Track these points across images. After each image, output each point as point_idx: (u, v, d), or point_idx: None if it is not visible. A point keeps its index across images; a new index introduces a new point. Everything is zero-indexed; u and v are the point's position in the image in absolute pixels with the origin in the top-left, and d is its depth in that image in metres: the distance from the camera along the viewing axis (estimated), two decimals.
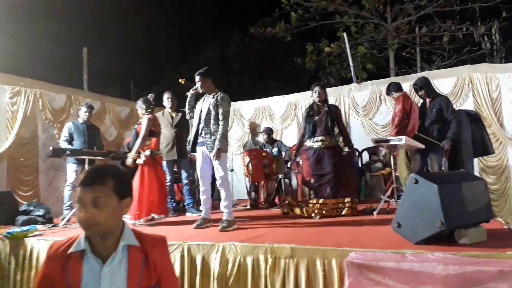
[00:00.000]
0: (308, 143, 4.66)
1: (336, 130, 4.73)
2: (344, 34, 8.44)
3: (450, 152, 4.90)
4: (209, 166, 4.03)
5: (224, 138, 3.92)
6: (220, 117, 3.91)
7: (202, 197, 4.09)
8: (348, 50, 8.03)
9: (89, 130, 5.63)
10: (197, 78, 4.07)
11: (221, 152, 3.85)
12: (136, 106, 4.85)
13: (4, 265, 3.84)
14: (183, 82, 4.32)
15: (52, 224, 4.74)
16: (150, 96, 4.91)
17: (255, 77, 17.22)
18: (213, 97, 3.98)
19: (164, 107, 5.70)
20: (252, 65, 17.88)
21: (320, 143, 4.55)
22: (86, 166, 5.14)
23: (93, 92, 7.51)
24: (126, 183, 1.49)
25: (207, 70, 4.10)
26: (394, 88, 5.12)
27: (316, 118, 4.63)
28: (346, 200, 4.35)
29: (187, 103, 4.27)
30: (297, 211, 4.50)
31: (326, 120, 4.58)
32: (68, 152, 5.03)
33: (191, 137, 4.17)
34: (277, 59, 16.98)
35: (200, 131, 4.02)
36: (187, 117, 4.36)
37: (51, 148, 5.06)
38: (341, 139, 4.87)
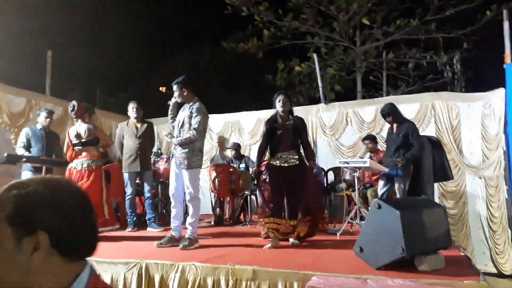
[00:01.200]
0: (271, 161, 4.06)
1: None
2: (315, 55, 8.62)
3: (411, 177, 5.04)
4: (181, 179, 3.87)
5: (187, 144, 3.78)
6: (191, 128, 3.79)
7: (172, 213, 3.93)
8: (317, 71, 8.17)
9: (48, 137, 5.38)
10: (174, 87, 3.95)
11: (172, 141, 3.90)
12: None
13: None
14: (163, 91, 4.12)
15: None
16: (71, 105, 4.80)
17: (226, 90, 17.21)
18: (189, 108, 3.88)
19: (129, 117, 5.54)
20: (222, 79, 17.88)
21: (283, 161, 3.95)
22: (43, 174, 4.91)
23: (55, 97, 7.21)
24: (35, 211, 0.86)
25: (184, 80, 3.95)
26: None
27: (279, 132, 4.00)
28: (306, 219, 3.85)
29: (169, 112, 4.14)
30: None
31: (291, 135, 3.99)
32: (24, 159, 4.79)
33: (172, 148, 4.03)
34: (248, 74, 17.08)
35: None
36: (170, 126, 4.17)
37: (5, 154, 4.79)
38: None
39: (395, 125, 4.71)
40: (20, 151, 5.15)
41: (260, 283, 2.60)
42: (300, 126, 4.09)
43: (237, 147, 6.72)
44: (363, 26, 11.50)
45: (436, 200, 5.85)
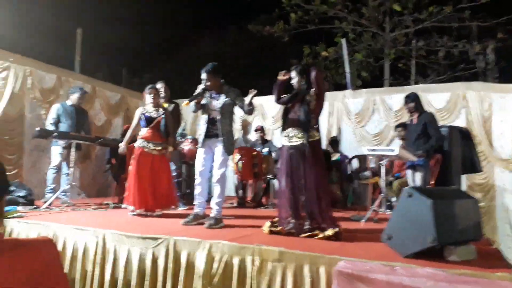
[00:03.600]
0: (281, 140, 3.62)
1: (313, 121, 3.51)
2: (343, 40, 8.46)
3: (440, 167, 4.96)
4: (210, 161, 3.98)
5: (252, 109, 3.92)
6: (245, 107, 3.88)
7: (197, 190, 3.98)
8: (345, 56, 8.03)
9: (78, 114, 5.52)
10: (204, 75, 3.82)
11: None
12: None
13: None
14: (186, 105, 3.94)
15: (34, 206, 4.62)
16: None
17: (250, 75, 17.14)
18: (225, 96, 3.87)
19: None
20: (247, 63, 17.79)
21: (290, 140, 3.48)
22: (72, 149, 5.04)
23: (84, 75, 7.33)
24: None
25: (216, 67, 3.85)
26: None
27: (290, 104, 3.57)
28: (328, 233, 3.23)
29: (193, 107, 3.95)
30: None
31: (299, 107, 3.47)
32: (55, 134, 4.92)
33: (201, 131, 3.96)
34: (273, 59, 16.95)
35: (210, 128, 3.90)
36: (192, 110, 4.03)
37: (37, 129, 4.94)
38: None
39: (414, 116, 4.74)
40: (50, 126, 5.29)
41: (286, 265, 2.61)
42: (311, 100, 3.47)
43: (263, 129, 6.77)
44: (393, 12, 11.18)
45: None
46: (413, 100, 4.73)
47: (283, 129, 3.59)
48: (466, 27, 10.71)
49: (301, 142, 3.40)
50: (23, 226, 3.60)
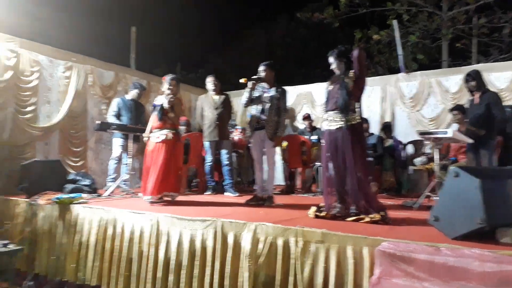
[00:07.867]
0: (323, 124, 3.68)
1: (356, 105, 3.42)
2: (394, 21, 8.14)
3: (501, 149, 4.66)
4: (262, 148, 4.53)
5: (284, 128, 4.51)
6: (282, 110, 4.39)
7: (256, 175, 4.67)
8: (397, 38, 7.72)
9: (136, 107, 5.88)
10: (262, 67, 4.46)
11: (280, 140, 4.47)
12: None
13: (52, 228, 4.12)
14: (245, 82, 4.40)
15: (97, 194, 5.00)
16: None
17: (299, 63, 17.01)
18: (276, 91, 4.38)
19: (207, 90, 5.82)
20: (296, 51, 17.65)
21: (329, 124, 3.45)
22: (130, 141, 5.37)
23: (140, 71, 7.74)
24: None
25: (272, 64, 4.53)
26: None
27: (330, 87, 3.56)
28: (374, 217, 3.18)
29: (247, 94, 4.38)
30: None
31: (337, 90, 3.41)
32: (114, 127, 5.26)
33: (253, 121, 4.51)
34: (323, 46, 16.67)
35: (259, 118, 4.41)
36: (244, 106, 4.58)
37: (97, 122, 5.31)
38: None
39: (476, 95, 4.41)
40: (111, 119, 5.67)
41: (329, 246, 2.63)
42: (355, 77, 3.38)
43: (310, 117, 6.76)
44: None
45: None
46: (474, 78, 4.42)
47: (325, 113, 3.57)
48: None
49: (340, 126, 3.35)
50: (87, 211, 3.93)
